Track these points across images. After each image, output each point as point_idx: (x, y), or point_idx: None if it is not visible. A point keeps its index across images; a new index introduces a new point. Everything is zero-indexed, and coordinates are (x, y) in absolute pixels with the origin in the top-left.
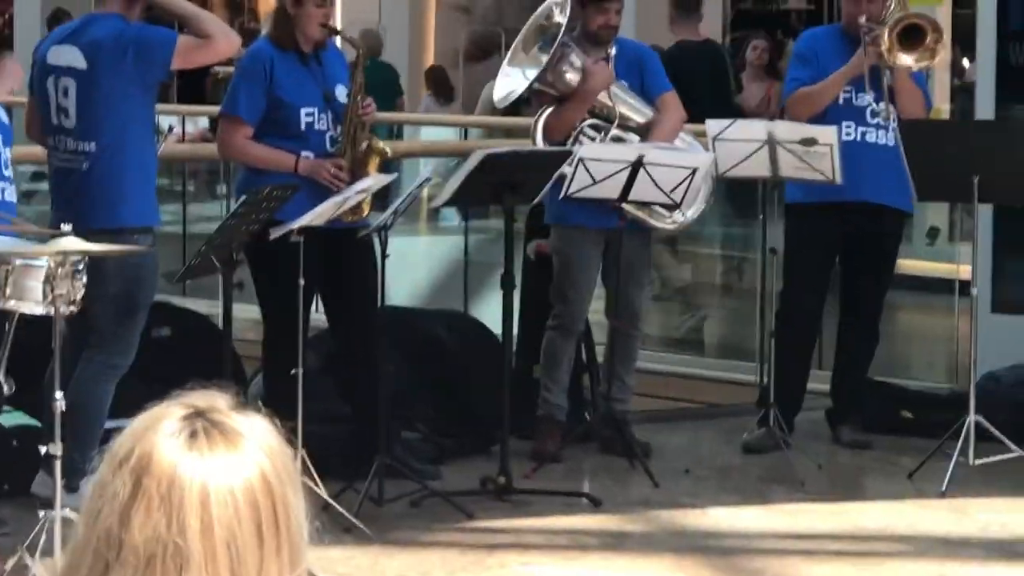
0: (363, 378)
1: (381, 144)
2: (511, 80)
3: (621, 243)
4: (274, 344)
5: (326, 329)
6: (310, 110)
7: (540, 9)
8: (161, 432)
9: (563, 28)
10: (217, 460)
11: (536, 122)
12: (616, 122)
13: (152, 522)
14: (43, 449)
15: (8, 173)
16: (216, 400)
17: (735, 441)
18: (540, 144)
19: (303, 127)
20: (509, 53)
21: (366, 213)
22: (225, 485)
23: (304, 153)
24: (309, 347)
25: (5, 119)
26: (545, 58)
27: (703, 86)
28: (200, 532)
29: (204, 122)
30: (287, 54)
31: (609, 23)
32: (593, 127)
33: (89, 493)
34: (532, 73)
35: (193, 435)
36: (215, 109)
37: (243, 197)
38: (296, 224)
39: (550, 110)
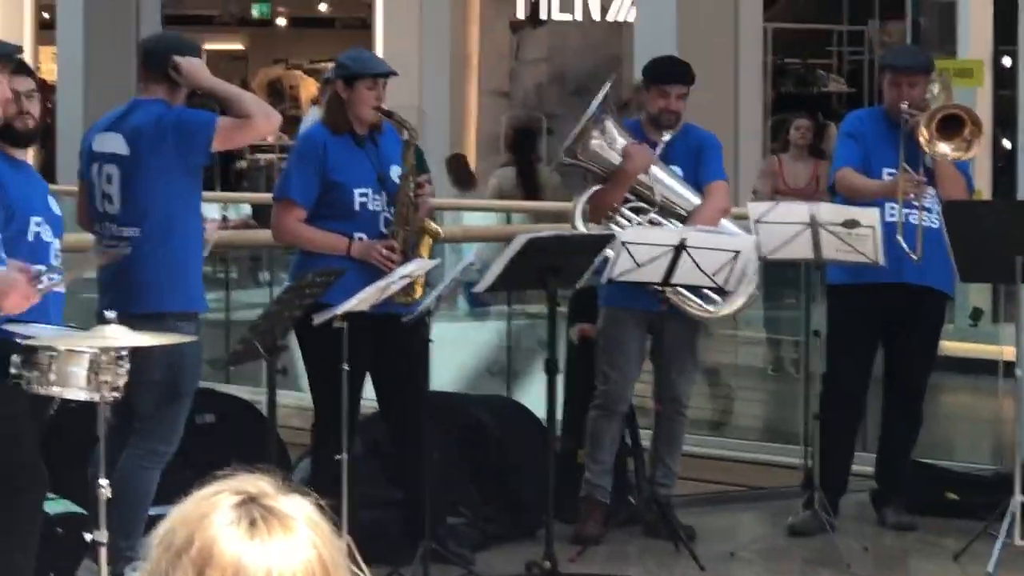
0: (411, 463)
1: (433, 225)
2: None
3: (665, 327)
4: (323, 428)
5: (375, 413)
6: (363, 190)
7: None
8: (218, 521)
9: (598, 103)
10: (276, 545)
11: (576, 202)
12: (658, 206)
13: None
14: (88, 536)
15: (57, 264)
16: (262, 483)
17: (780, 524)
18: (579, 224)
19: (357, 207)
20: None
21: (418, 295)
22: (288, 568)
23: (357, 235)
24: (357, 431)
25: (56, 210)
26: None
27: None
28: None
29: (247, 209)
30: (341, 137)
31: (669, 107)
32: (633, 209)
33: None
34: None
35: (252, 523)
36: (257, 196)
37: (286, 283)
38: (339, 310)
39: (592, 190)
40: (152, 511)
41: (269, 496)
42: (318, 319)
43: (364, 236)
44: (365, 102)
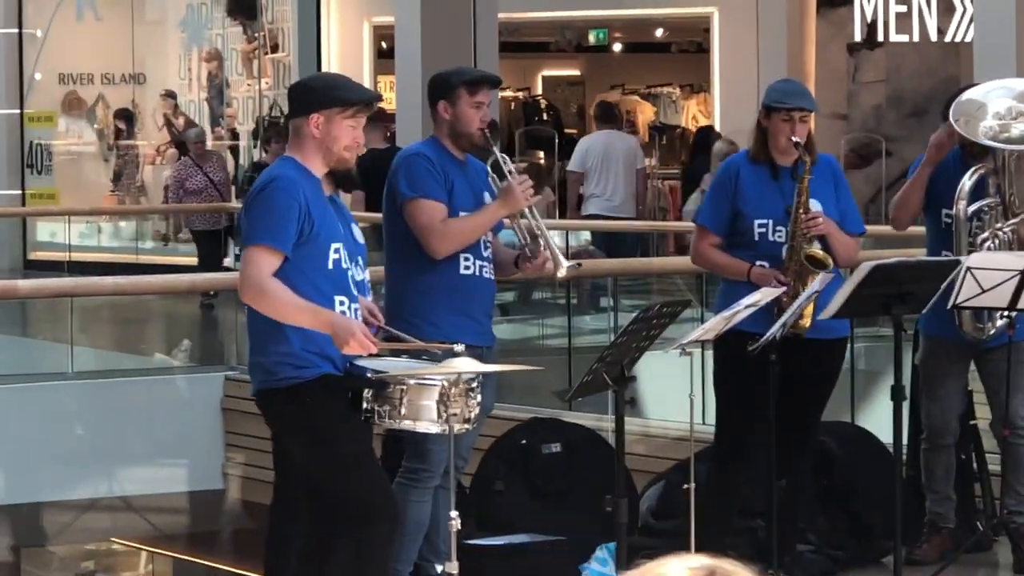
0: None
1: (820, 252)
2: None
3: (990, 354)
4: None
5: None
6: (763, 221)
7: None
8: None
9: None
10: None
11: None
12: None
13: None
14: (439, 568)
15: (355, 292)
16: (725, 563)
17: None
18: None
19: (756, 237)
20: None
21: (808, 323)
22: None
23: (759, 262)
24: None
25: (360, 239)
26: None
27: None
28: None
29: (586, 235)
30: (758, 166)
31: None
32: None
33: None
34: None
35: None
36: (594, 223)
37: (636, 314)
38: (686, 339)
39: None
40: (507, 540)
41: (732, 569)
42: (754, 347)
43: (766, 264)
44: (782, 133)
